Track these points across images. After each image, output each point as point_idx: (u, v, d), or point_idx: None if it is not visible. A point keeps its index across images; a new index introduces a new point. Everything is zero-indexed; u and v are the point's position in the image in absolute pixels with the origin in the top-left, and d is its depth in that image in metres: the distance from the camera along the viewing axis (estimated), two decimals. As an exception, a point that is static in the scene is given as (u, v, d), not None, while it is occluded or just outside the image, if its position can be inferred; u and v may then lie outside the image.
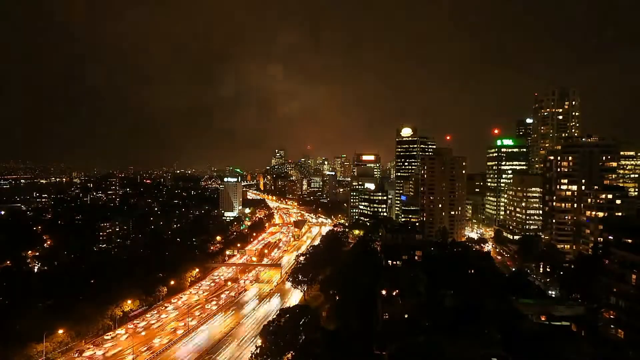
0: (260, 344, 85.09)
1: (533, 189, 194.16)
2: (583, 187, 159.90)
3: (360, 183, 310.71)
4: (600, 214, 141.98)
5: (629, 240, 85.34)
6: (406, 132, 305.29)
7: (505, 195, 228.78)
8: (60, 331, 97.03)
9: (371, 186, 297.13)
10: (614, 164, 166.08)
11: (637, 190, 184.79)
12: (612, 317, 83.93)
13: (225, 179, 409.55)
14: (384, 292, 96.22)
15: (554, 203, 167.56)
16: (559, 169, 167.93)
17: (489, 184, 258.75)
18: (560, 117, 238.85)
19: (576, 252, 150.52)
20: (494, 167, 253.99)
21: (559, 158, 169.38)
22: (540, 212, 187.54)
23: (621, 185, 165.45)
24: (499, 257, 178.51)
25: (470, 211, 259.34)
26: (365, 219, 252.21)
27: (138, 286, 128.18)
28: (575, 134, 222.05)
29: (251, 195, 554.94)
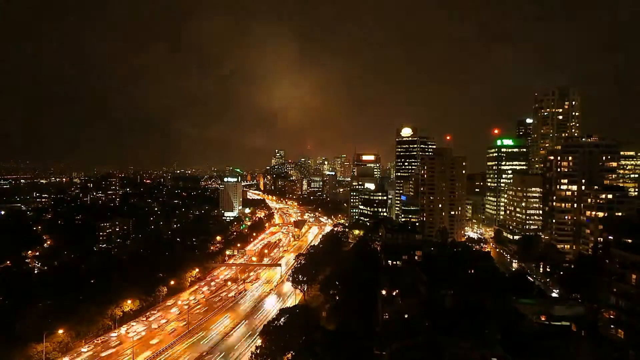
0: (260, 344, 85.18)
1: (533, 189, 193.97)
2: (583, 187, 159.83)
3: (360, 183, 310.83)
4: (600, 214, 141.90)
5: (629, 240, 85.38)
6: (406, 132, 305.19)
7: (505, 195, 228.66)
8: (60, 331, 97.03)
9: (371, 186, 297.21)
10: (614, 164, 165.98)
11: (637, 190, 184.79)
12: (612, 317, 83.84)
13: (225, 179, 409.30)
14: (384, 292, 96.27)
15: (554, 203, 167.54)
16: (559, 169, 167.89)
17: (489, 184, 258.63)
18: (560, 117, 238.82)
19: (576, 252, 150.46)
20: (494, 167, 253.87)
21: (559, 158, 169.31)
22: (540, 212, 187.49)
23: (621, 185, 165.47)
24: (499, 257, 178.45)
25: (470, 211, 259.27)
26: (365, 219, 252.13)
27: (138, 286, 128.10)
28: (575, 134, 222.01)
29: (251, 195, 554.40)
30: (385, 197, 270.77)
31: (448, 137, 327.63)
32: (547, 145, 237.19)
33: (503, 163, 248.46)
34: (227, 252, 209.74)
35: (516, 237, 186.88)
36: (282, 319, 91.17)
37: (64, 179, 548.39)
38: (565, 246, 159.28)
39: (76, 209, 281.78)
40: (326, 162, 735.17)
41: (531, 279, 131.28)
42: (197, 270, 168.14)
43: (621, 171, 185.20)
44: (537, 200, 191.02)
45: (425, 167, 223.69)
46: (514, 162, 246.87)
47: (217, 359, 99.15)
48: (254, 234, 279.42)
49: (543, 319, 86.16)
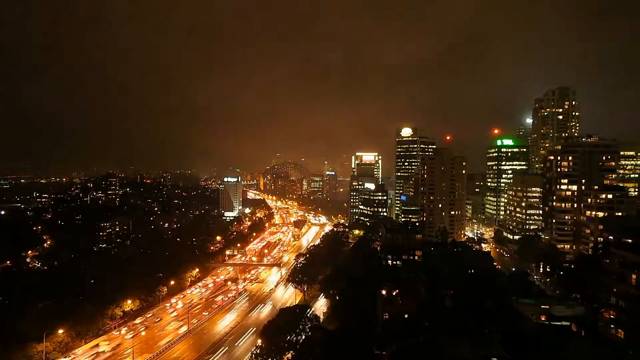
0: (260, 344, 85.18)
1: (533, 189, 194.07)
2: (583, 187, 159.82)
3: (360, 183, 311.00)
4: (600, 214, 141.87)
5: (629, 240, 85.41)
6: (406, 132, 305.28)
7: (505, 195, 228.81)
8: (60, 331, 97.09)
9: (371, 186, 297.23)
10: (614, 164, 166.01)
11: (637, 190, 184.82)
12: (612, 317, 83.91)
13: (225, 179, 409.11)
14: (384, 292, 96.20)
15: (554, 203, 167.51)
16: (559, 169, 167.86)
17: (489, 184, 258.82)
18: (560, 117, 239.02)
19: (576, 252, 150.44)
20: (494, 167, 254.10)
21: (559, 158, 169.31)
22: (540, 212, 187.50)
23: (621, 185, 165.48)
24: (499, 257, 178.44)
25: (470, 211, 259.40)
26: (365, 219, 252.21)
27: (138, 286, 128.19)
28: (575, 134, 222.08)
29: (251, 195, 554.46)
30: (385, 197, 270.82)
31: (448, 137, 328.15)
32: (547, 145, 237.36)
33: (503, 163, 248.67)
34: (227, 252, 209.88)
35: (516, 237, 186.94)
36: (282, 319, 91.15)
37: (64, 179, 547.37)
38: (565, 246, 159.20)
39: (76, 209, 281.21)
40: (326, 162, 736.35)
41: (531, 279, 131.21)
42: (197, 270, 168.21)
43: (621, 171, 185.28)
44: (537, 200, 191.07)
45: (425, 167, 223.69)
46: (514, 162, 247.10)
47: (217, 359, 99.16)
48: (254, 234, 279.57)
49: (543, 319, 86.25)
